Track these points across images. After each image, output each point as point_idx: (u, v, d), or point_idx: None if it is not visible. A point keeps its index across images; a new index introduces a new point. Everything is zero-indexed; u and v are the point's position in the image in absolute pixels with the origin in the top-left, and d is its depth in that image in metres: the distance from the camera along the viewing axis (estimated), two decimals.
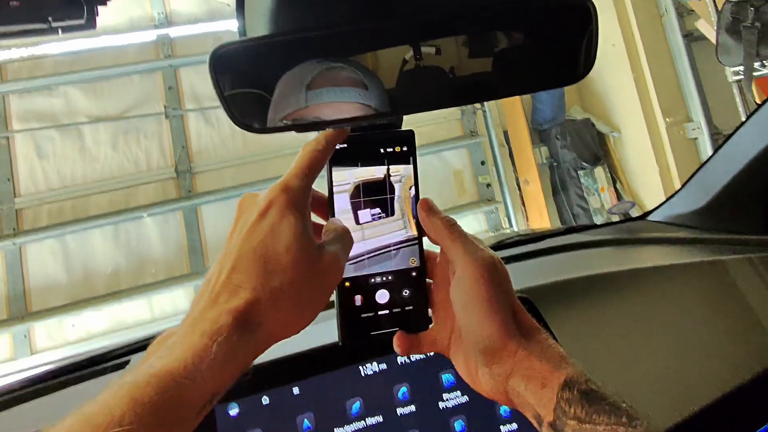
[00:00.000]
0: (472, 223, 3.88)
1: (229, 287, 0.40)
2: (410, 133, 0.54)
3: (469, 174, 3.94)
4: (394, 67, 0.57)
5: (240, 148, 3.59)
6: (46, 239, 3.25)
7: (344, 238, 0.48)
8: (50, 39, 3.40)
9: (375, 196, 0.53)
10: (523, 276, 0.97)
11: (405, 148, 0.53)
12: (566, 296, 0.84)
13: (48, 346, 3.19)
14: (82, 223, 3.28)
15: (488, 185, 3.90)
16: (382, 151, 0.53)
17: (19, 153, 3.33)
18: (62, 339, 3.22)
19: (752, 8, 2.46)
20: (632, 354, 0.78)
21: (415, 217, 0.53)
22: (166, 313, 3.34)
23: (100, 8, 3.26)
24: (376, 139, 0.53)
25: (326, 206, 0.52)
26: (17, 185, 3.28)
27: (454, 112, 3.95)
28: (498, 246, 1.17)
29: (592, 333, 0.79)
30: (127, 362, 0.85)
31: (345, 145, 0.52)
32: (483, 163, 3.94)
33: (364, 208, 0.52)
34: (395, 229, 0.53)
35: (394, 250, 0.52)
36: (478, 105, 3.95)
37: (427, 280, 0.54)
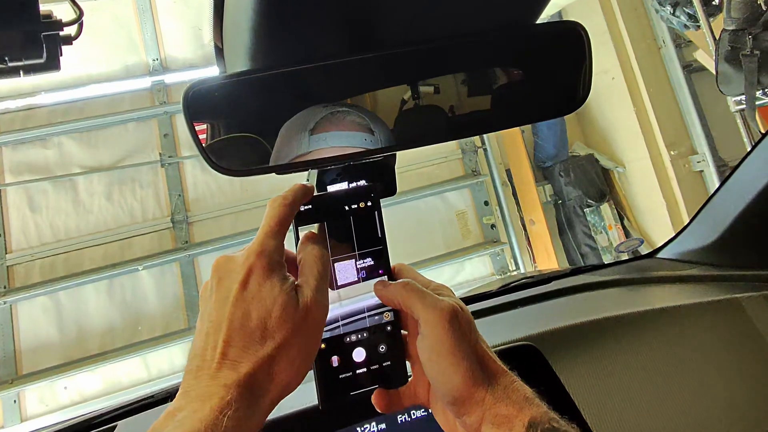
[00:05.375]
0: (478, 266, 3.80)
1: (226, 362, 0.42)
2: (370, 188, 0.54)
3: (473, 215, 3.88)
4: (393, 107, 0.58)
5: (238, 195, 3.54)
6: (37, 297, 3.17)
7: (314, 265, 0.48)
8: (41, 89, 3.37)
9: (344, 254, 0.52)
10: (529, 321, 0.98)
11: (369, 203, 0.53)
12: (574, 342, 0.82)
13: (39, 411, 3.07)
14: (75, 278, 3.20)
15: (493, 226, 3.83)
16: (346, 208, 0.53)
17: (11, 206, 3.27)
18: (54, 403, 3.11)
19: (750, 36, 2.45)
20: (646, 403, 0.76)
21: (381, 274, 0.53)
22: (162, 372, 3.24)
23: (94, 55, 3.21)
24: (339, 196, 0.53)
25: (295, 265, 0.51)
26: (8, 241, 3.21)
27: (454, 150, 3.91)
28: (504, 289, 1.16)
29: (602, 381, 0.77)
30: (114, 428, 0.85)
31: (309, 206, 0.52)
32: (486, 203, 3.88)
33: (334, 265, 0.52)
34: (367, 287, 0.53)
35: (367, 308, 0.52)
36: (479, 143, 3.90)
37: (402, 332, 0.53)
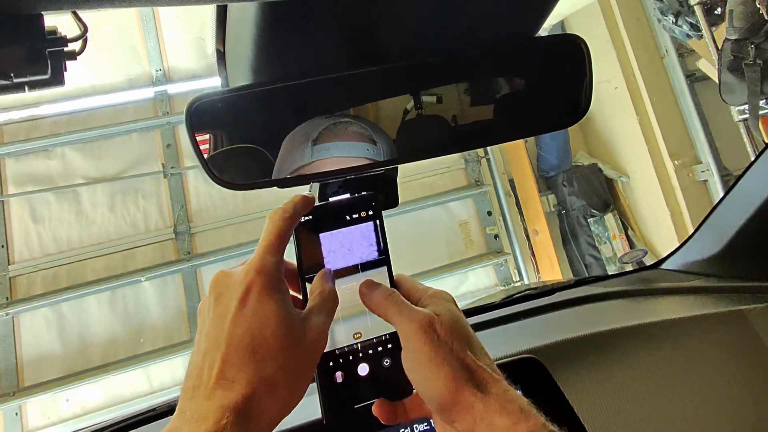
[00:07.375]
0: (481, 277, 3.79)
1: (223, 383, 0.40)
2: (372, 197, 0.53)
3: (476, 225, 3.87)
4: (396, 118, 0.58)
5: (240, 206, 3.53)
6: (40, 308, 3.16)
7: (329, 302, 0.48)
8: (45, 100, 3.39)
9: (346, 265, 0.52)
10: (532, 334, 0.98)
11: (370, 212, 0.53)
12: (578, 355, 0.81)
13: (41, 424, 3.06)
14: (77, 289, 3.20)
15: (496, 236, 3.82)
16: (347, 218, 0.52)
17: (13, 217, 3.27)
18: (56, 416, 3.09)
19: (753, 46, 2.46)
20: (650, 415, 0.75)
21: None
22: (164, 385, 3.23)
23: (97, 65, 3.22)
24: (340, 207, 0.53)
25: (296, 278, 0.50)
26: (11, 252, 3.21)
27: (457, 161, 3.91)
28: (507, 301, 1.15)
29: (606, 394, 0.76)
30: None
31: (309, 217, 0.51)
32: (490, 213, 3.88)
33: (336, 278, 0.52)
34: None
35: (370, 319, 0.51)
36: (482, 153, 3.91)
37: None
